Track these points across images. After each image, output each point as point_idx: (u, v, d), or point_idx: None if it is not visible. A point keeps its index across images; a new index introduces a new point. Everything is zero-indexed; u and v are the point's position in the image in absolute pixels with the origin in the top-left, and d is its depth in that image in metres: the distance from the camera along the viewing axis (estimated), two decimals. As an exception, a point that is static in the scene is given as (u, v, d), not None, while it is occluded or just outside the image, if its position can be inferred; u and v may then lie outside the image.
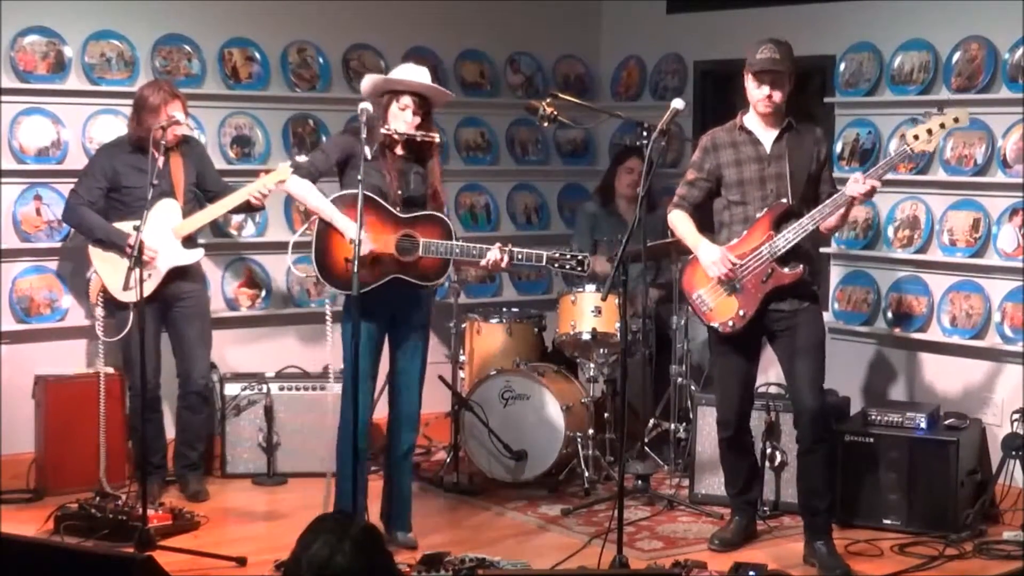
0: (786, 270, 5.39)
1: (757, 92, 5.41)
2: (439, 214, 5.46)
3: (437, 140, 5.47)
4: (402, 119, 5.39)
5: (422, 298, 5.55)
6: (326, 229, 5.42)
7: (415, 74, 5.47)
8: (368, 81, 5.53)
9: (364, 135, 5.21)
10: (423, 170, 5.48)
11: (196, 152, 6.37)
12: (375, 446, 6.09)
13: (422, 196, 5.46)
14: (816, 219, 5.34)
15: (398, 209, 5.39)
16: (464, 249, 5.39)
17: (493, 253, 5.39)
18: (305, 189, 5.47)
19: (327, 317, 5.78)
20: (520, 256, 5.42)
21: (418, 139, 5.40)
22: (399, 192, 5.40)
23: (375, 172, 5.34)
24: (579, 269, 5.40)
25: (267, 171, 6.07)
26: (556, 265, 5.42)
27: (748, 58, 5.42)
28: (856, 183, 5.26)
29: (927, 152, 5.75)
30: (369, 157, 5.30)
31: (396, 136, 5.38)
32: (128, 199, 6.06)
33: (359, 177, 5.10)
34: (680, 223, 5.57)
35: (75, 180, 6.28)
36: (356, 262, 5.01)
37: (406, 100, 5.39)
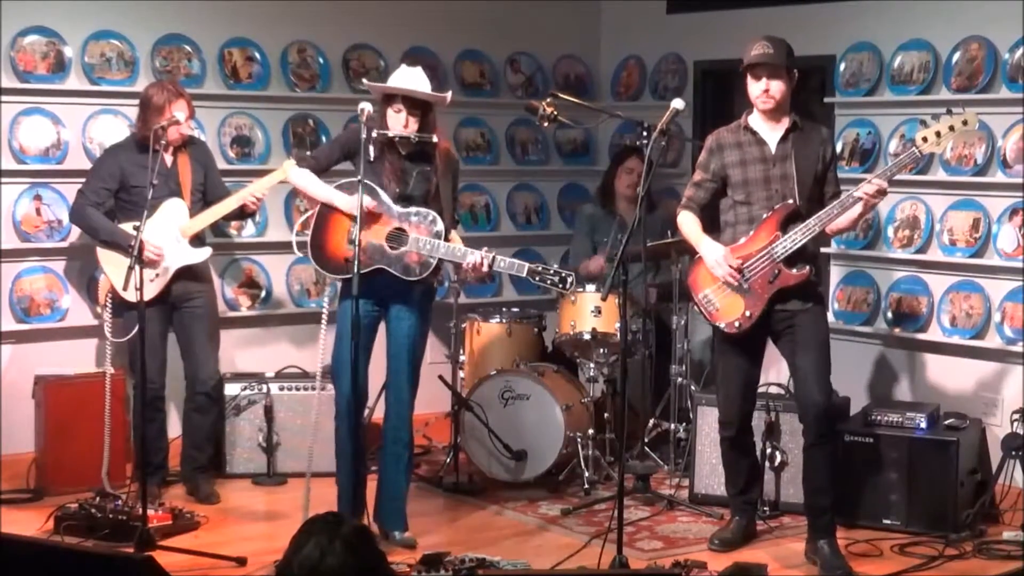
0: (793, 271, 5.38)
1: (755, 87, 5.41)
2: (434, 213, 5.51)
3: (435, 140, 5.55)
4: (398, 122, 5.51)
5: (412, 294, 5.57)
6: (326, 214, 5.54)
7: (408, 79, 5.57)
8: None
9: (364, 134, 5.34)
10: (428, 168, 5.56)
11: (203, 153, 6.37)
12: (372, 447, 6.08)
13: (423, 195, 5.54)
14: (823, 220, 5.32)
15: (398, 205, 5.50)
16: (449, 249, 5.47)
17: (474, 256, 5.44)
18: (305, 177, 5.60)
19: (323, 318, 5.70)
20: (503, 264, 5.50)
21: (413, 140, 5.50)
22: (396, 191, 5.52)
23: (372, 174, 5.45)
24: (560, 286, 5.46)
25: (270, 172, 6.09)
26: (537, 279, 5.46)
27: (744, 57, 5.43)
28: (866, 183, 5.25)
29: (934, 153, 5.77)
30: (372, 158, 5.43)
31: (392, 138, 5.49)
32: (137, 199, 6.00)
33: (359, 177, 5.23)
34: (686, 224, 5.57)
35: (75, 180, 6.28)
36: (356, 263, 5.02)
37: (399, 104, 5.53)
